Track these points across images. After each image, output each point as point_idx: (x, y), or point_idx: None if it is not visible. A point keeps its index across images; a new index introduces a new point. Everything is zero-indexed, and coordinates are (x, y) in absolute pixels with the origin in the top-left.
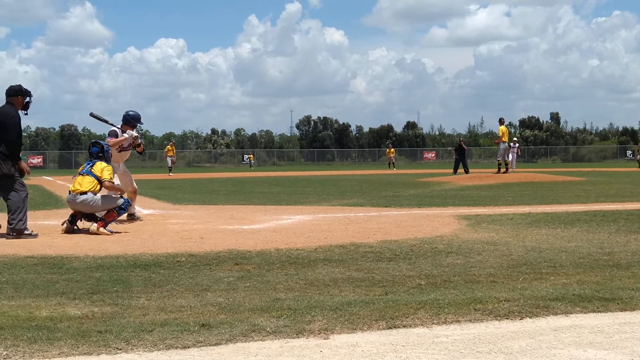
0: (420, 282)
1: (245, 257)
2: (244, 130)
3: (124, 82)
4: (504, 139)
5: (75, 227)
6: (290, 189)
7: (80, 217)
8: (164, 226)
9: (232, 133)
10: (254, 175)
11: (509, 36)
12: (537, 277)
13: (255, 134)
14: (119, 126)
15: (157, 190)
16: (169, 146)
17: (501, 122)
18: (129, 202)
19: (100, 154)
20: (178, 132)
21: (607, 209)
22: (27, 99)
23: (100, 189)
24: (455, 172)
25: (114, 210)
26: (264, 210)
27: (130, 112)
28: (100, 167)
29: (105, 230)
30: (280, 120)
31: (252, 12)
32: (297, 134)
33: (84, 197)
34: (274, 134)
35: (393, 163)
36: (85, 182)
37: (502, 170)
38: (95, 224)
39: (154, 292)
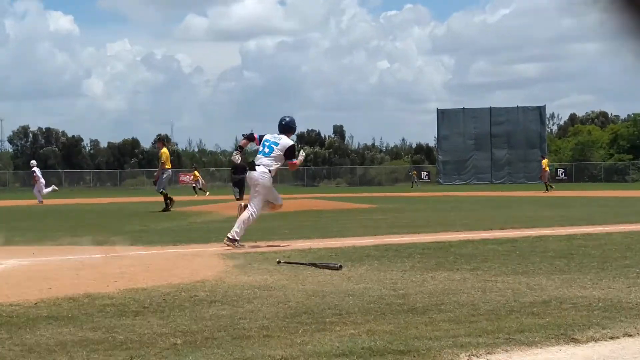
0: (175, 340)
1: None
2: None
3: None
4: (167, 166)
5: None
6: None
7: None
8: None
9: None
10: None
11: (284, 30)
12: (320, 327)
13: None
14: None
15: None
16: None
17: (162, 143)
18: None
19: None
20: None
21: (401, 242)
22: None
23: None
24: (239, 197)
25: None
26: None
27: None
28: None
29: None
30: None
31: None
32: (10, 149)
33: None
34: None
35: (199, 187)
36: None
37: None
38: None
39: None
